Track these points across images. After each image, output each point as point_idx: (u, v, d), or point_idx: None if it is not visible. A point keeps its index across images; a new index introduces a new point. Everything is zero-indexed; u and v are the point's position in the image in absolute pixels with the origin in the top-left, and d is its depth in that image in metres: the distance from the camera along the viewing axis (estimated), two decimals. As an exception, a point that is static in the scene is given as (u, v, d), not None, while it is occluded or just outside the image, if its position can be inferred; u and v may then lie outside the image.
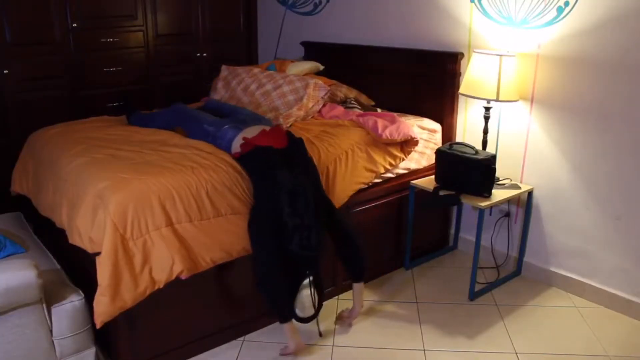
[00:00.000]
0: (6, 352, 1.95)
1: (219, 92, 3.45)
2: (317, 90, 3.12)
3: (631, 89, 2.51)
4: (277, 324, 2.56)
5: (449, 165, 2.79)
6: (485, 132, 2.92)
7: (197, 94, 3.80)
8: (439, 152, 2.84)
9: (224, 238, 2.25)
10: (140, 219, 2.06)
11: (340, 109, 3.15)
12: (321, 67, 3.64)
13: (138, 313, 2.12)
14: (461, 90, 2.93)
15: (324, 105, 3.17)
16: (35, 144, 2.84)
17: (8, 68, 3.31)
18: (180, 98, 3.39)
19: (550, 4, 2.69)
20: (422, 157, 3.10)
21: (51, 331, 2.05)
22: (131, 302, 2.03)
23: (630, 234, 2.64)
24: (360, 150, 2.77)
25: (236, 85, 3.39)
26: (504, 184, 2.93)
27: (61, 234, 2.29)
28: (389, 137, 2.81)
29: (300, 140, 2.49)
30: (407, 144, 2.94)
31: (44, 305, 2.01)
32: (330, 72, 3.63)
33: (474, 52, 2.84)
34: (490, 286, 2.95)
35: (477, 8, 3.00)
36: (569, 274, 2.91)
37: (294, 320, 2.33)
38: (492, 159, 2.71)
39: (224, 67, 3.59)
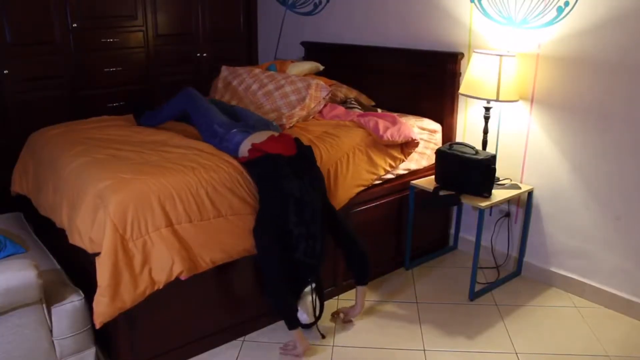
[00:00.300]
0: (6, 352, 1.95)
1: (220, 92, 3.45)
2: (319, 91, 3.12)
3: (631, 89, 2.51)
4: (277, 324, 2.58)
5: (449, 166, 2.79)
6: (485, 132, 2.92)
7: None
8: (439, 152, 2.84)
9: (224, 239, 2.25)
10: (140, 219, 2.06)
11: (341, 109, 3.15)
12: (321, 67, 3.64)
13: (138, 313, 2.12)
14: (461, 90, 2.93)
15: (324, 106, 3.17)
16: (36, 144, 2.84)
17: (8, 68, 3.31)
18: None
19: (550, 4, 2.69)
20: (422, 157, 3.10)
21: (51, 331, 2.05)
22: (131, 303, 2.03)
23: (630, 234, 2.64)
24: (361, 153, 2.77)
25: (237, 85, 3.39)
26: (504, 184, 2.93)
27: (61, 234, 2.29)
28: (390, 139, 2.81)
29: (309, 148, 2.48)
30: (408, 146, 2.94)
31: (44, 305, 2.01)
32: (330, 72, 3.63)
33: (474, 52, 2.84)
34: (490, 286, 2.96)
35: (477, 8, 3.00)
36: (569, 274, 2.91)
37: None
38: (492, 159, 2.71)
39: (224, 67, 3.59)
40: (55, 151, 2.60)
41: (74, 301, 2.08)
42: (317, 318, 2.46)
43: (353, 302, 2.63)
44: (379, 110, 3.28)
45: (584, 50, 2.62)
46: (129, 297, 2.01)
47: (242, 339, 2.51)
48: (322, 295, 2.48)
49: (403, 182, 3.01)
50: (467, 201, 2.73)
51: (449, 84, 3.14)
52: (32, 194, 2.71)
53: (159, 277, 2.07)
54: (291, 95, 3.11)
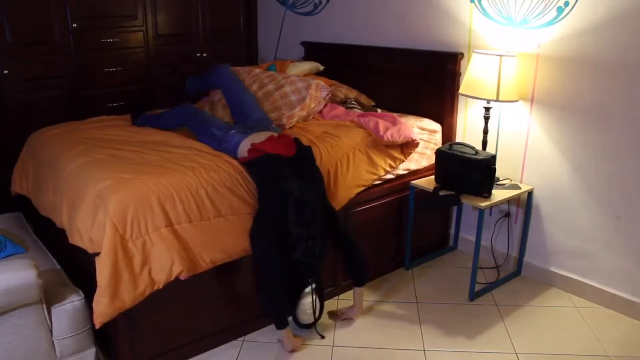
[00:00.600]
0: (6, 352, 1.95)
1: (220, 93, 3.44)
2: (319, 91, 3.12)
3: (631, 89, 2.51)
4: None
5: (449, 166, 2.79)
6: (485, 132, 2.92)
7: (197, 94, 3.80)
8: (439, 152, 2.84)
9: (224, 239, 2.25)
10: (140, 219, 2.06)
11: (341, 109, 3.15)
12: (321, 68, 3.64)
13: (138, 313, 2.12)
14: (461, 90, 2.93)
15: (324, 106, 3.17)
16: (36, 144, 2.84)
17: (8, 68, 3.31)
18: (180, 98, 3.39)
19: (550, 4, 2.69)
20: (422, 157, 3.10)
21: (51, 331, 2.05)
22: (130, 303, 2.03)
23: (630, 234, 2.64)
24: (361, 153, 2.77)
25: (236, 85, 3.39)
26: (504, 184, 2.93)
27: (61, 234, 2.29)
28: (390, 139, 2.81)
29: (309, 149, 2.48)
30: (408, 146, 2.94)
31: (44, 305, 2.01)
32: (330, 72, 3.63)
33: (474, 52, 2.84)
34: (490, 286, 2.96)
35: (477, 8, 3.00)
36: (569, 274, 2.91)
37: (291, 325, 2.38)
38: (492, 159, 2.71)
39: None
40: (55, 151, 2.60)
41: (74, 301, 2.08)
42: (317, 318, 2.47)
43: (352, 302, 2.63)
44: (379, 110, 3.28)
45: (584, 50, 2.62)
46: (128, 297, 2.01)
47: (242, 339, 2.51)
48: (322, 296, 2.49)
49: (403, 182, 3.01)
50: (467, 201, 2.73)
51: (449, 84, 3.14)
52: (32, 194, 2.71)
53: (159, 277, 2.07)
54: (291, 95, 3.11)
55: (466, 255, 3.30)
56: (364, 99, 3.46)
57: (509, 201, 2.95)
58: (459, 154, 2.74)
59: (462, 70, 3.11)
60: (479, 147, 2.89)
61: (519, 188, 2.91)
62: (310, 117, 3.11)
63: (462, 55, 3.11)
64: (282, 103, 3.08)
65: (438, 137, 3.19)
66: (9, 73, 3.32)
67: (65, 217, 2.26)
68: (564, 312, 2.75)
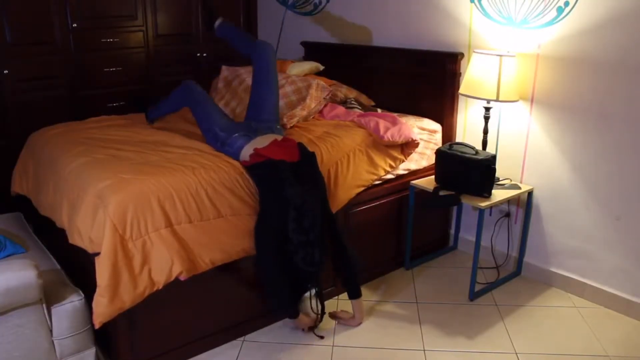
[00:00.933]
0: (6, 352, 1.95)
1: (220, 92, 3.44)
2: (319, 91, 3.12)
3: (631, 89, 2.51)
4: (277, 324, 2.58)
5: (449, 166, 2.79)
6: (485, 132, 2.92)
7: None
8: (439, 153, 2.84)
9: (224, 239, 2.25)
10: (140, 219, 2.06)
11: (341, 109, 3.15)
12: (321, 67, 3.64)
13: (138, 313, 2.12)
14: (461, 90, 2.93)
15: (325, 106, 3.17)
16: (36, 144, 2.84)
17: (8, 68, 3.31)
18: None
19: (550, 4, 2.69)
20: (422, 157, 3.10)
21: (51, 331, 2.05)
22: (130, 303, 2.03)
23: (630, 234, 2.64)
24: (361, 153, 2.77)
25: (237, 85, 3.38)
26: (504, 184, 2.93)
27: (61, 234, 2.29)
28: (391, 139, 2.81)
29: (312, 154, 2.47)
30: (408, 146, 2.94)
31: (44, 305, 2.01)
32: (330, 72, 3.63)
33: (474, 52, 2.84)
34: (490, 286, 2.96)
35: (477, 8, 3.00)
36: (569, 274, 2.91)
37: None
38: (492, 159, 2.71)
39: (224, 67, 3.59)
40: (55, 151, 2.60)
41: (74, 301, 2.08)
42: (319, 322, 2.48)
43: (351, 303, 2.63)
44: (379, 110, 3.28)
45: (584, 50, 2.62)
46: (128, 298, 2.01)
47: (242, 339, 2.51)
48: (322, 300, 2.50)
49: (403, 182, 3.01)
50: (467, 201, 2.73)
51: (449, 84, 3.14)
52: (32, 194, 2.71)
53: (159, 277, 2.07)
54: (292, 95, 3.11)
55: (466, 255, 3.30)
56: (364, 99, 3.46)
57: (509, 201, 2.95)
58: (459, 154, 2.74)
59: (462, 70, 3.11)
60: (479, 147, 2.89)
61: (519, 188, 2.91)
62: (311, 117, 3.11)
63: (462, 55, 3.11)
64: (282, 103, 3.08)
65: (438, 137, 3.19)
66: (9, 73, 3.32)
67: (65, 217, 2.26)
68: (564, 312, 2.75)
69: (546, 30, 2.74)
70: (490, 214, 3.17)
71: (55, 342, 2.07)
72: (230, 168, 2.36)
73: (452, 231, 3.43)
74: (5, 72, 3.31)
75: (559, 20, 2.68)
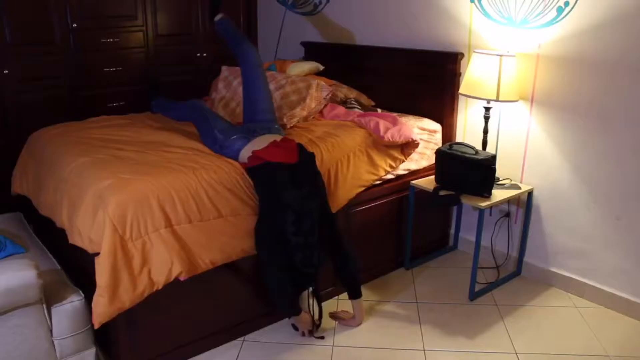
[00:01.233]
0: (6, 352, 1.95)
1: (220, 92, 3.44)
2: (319, 91, 3.12)
3: (631, 89, 2.51)
4: (277, 324, 2.58)
5: (449, 166, 2.79)
6: (485, 132, 2.92)
7: (197, 94, 3.80)
8: (439, 153, 2.84)
9: (224, 240, 2.25)
10: (140, 220, 2.06)
11: (341, 109, 3.15)
12: (321, 68, 3.64)
13: (138, 313, 2.12)
14: (461, 90, 2.93)
15: (325, 106, 3.17)
16: (36, 144, 2.84)
17: (8, 68, 3.31)
18: (180, 98, 3.38)
19: (550, 4, 2.69)
20: (422, 157, 3.10)
21: (51, 331, 2.05)
22: (129, 303, 2.02)
23: (630, 234, 2.64)
24: (361, 153, 2.77)
25: (237, 85, 3.38)
26: (504, 184, 2.93)
27: (61, 234, 2.29)
28: (391, 140, 2.81)
29: (312, 155, 2.46)
30: (408, 146, 2.94)
31: (44, 305, 2.01)
32: (330, 73, 3.63)
33: (474, 52, 2.84)
34: (490, 286, 2.96)
35: (477, 8, 3.00)
36: (569, 274, 2.91)
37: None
38: (492, 159, 2.71)
39: (224, 67, 3.59)
40: (55, 151, 2.60)
41: (74, 301, 2.08)
42: (318, 323, 2.48)
43: (351, 304, 2.63)
44: (379, 111, 3.28)
45: (584, 50, 2.62)
46: (127, 298, 2.01)
47: (242, 339, 2.51)
48: (320, 301, 2.51)
49: (403, 182, 3.01)
50: (467, 201, 2.73)
51: (449, 84, 3.14)
52: (32, 194, 2.71)
53: (158, 278, 2.07)
54: (292, 95, 3.11)
55: (466, 255, 3.30)
56: (364, 99, 3.45)
57: (509, 201, 2.95)
58: (459, 154, 2.74)
59: (462, 70, 3.11)
60: (479, 147, 2.89)
61: (519, 188, 2.91)
62: (311, 117, 3.11)
63: (462, 55, 3.11)
64: (282, 103, 3.08)
65: (438, 137, 3.19)
66: (9, 73, 3.32)
67: (66, 217, 2.26)
68: (564, 312, 2.75)
69: (546, 30, 2.74)
70: (490, 214, 3.17)
71: (55, 342, 2.07)
72: (231, 168, 2.36)
73: (452, 231, 3.43)
74: (5, 72, 3.31)
75: (559, 20, 2.68)
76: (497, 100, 2.74)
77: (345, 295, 2.69)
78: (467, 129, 3.19)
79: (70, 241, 2.18)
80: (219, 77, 3.57)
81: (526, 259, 3.08)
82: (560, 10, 2.67)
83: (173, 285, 2.11)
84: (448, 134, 3.21)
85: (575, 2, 2.60)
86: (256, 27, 4.50)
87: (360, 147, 2.78)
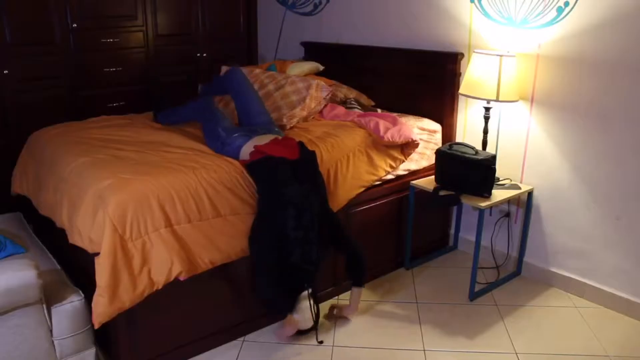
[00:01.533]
0: (6, 352, 1.95)
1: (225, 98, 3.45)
2: (319, 91, 3.12)
3: (631, 89, 2.51)
4: (277, 324, 2.57)
5: (448, 166, 2.79)
6: (485, 132, 2.92)
7: (197, 93, 3.80)
8: (439, 153, 2.84)
9: (224, 239, 2.25)
10: (140, 219, 2.06)
11: (341, 109, 3.15)
12: (321, 68, 3.64)
13: (138, 313, 2.12)
14: (461, 90, 2.93)
15: (325, 106, 3.17)
16: (36, 144, 2.84)
17: (8, 68, 3.31)
18: (180, 98, 3.39)
19: (550, 4, 2.69)
20: (422, 157, 3.10)
21: (51, 331, 2.05)
22: (129, 303, 2.03)
23: (630, 234, 2.64)
24: (361, 153, 2.77)
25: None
26: (504, 184, 2.93)
27: (61, 234, 2.29)
28: (391, 140, 2.81)
29: (313, 153, 2.48)
30: (408, 147, 2.94)
31: (44, 305, 2.01)
32: (330, 73, 3.63)
33: (474, 52, 2.84)
34: (490, 286, 2.95)
35: (477, 8, 3.00)
36: (569, 274, 2.91)
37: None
38: (492, 159, 2.71)
39: (224, 67, 3.59)
40: (55, 151, 2.60)
41: (74, 301, 2.08)
42: (316, 323, 2.47)
43: (349, 302, 2.64)
44: (379, 111, 3.28)
45: (584, 50, 2.62)
46: (127, 298, 2.01)
47: (242, 339, 2.51)
48: (317, 302, 2.50)
49: (403, 182, 3.01)
50: (467, 201, 2.73)
51: (449, 84, 3.14)
52: (32, 194, 2.71)
53: (158, 277, 2.07)
54: (292, 95, 3.11)
55: (466, 255, 3.30)
56: (364, 99, 3.46)
57: (509, 201, 2.95)
58: (459, 154, 2.74)
59: (462, 70, 3.11)
60: (479, 147, 2.89)
61: (519, 188, 2.91)
62: (311, 117, 3.11)
63: (462, 55, 3.11)
64: (282, 103, 3.08)
65: (438, 137, 3.19)
66: (9, 73, 3.32)
67: (66, 217, 2.26)
68: (564, 312, 2.75)
69: (546, 30, 2.74)
70: (490, 214, 3.17)
71: (55, 342, 2.07)
72: (231, 167, 2.36)
73: (452, 231, 3.43)
74: (5, 72, 3.31)
75: (559, 20, 2.68)
76: (497, 100, 2.74)
77: (345, 295, 2.70)
78: (467, 129, 3.19)
79: (70, 241, 2.18)
80: (219, 78, 3.58)
81: (526, 259, 3.08)
82: (560, 10, 2.67)
83: (173, 285, 2.11)
84: (448, 134, 3.21)
85: (575, 2, 2.60)
86: (256, 27, 4.50)
87: (360, 148, 2.78)
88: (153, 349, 2.25)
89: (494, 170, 2.71)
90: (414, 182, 2.97)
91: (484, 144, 2.93)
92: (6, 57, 3.30)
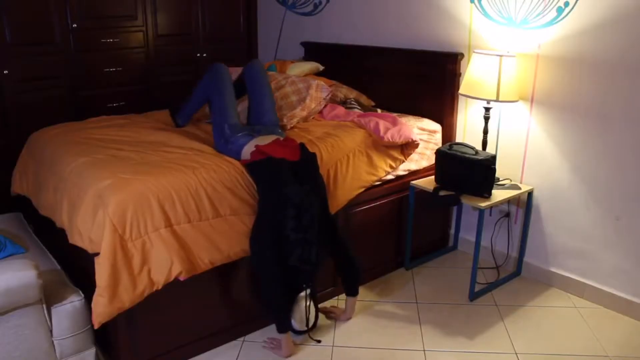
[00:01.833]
0: (6, 352, 1.95)
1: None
2: (319, 91, 3.12)
3: (631, 89, 2.51)
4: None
5: (449, 166, 2.79)
6: (485, 132, 2.92)
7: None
8: (439, 153, 2.84)
9: (223, 239, 2.25)
10: (140, 219, 2.06)
11: (341, 110, 3.15)
12: (321, 68, 3.64)
13: (138, 313, 2.12)
14: (461, 90, 2.93)
15: (325, 106, 3.17)
16: (36, 144, 2.84)
17: (8, 68, 3.31)
18: (179, 98, 3.39)
19: (550, 4, 2.69)
20: (422, 157, 3.10)
21: (51, 331, 2.05)
22: (129, 303, 2.02)
23: (630, 234, 2.64)
24: (361, 154, 2.77)
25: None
26: (504, 184, 2.93)
27: (61, 234, 2.29)
28: (391, 140, 2.81)
29: (314, 155, 2.48)
30: (408, 147, 2.94)
31: (44, 305, 2.01)
32: (330, 73, 3.63)
33: (474, 52, 2.84)
34: (490, 286, 2.96)
35: (477, 8, 3.00)
36: (569, 275, 2.91)
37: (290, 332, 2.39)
38: (492, 159, 2.71)
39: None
40: (55, 151, 2.60)
41: (74, 301, 2.08)
42: (313, 326, 2.47)
43: (345, 307, 2.64)
44: (379, 111, 3.28)
45: (584, 50, 2.63)
46: (127, 298, 2.01)
47: (242, 339, 2.51)
48: (316, 302, 2.50)
49: (403, 182, 3.01)
50: (467, 201, 2.73)
51: (449, 84, 3.14)
52: (32, 194, 2.71)
53: (158, 277, 2.07)
54: (292, 95, 3.11)
55: (466, 255, 3.30)
56: (364, 99, 3.46)
57: (509, 201, 2.95)
58: (459, 154, 2.74)
59: (462, 70, 3.11)
60: (479, 147, 2.89)
61: (519, 188, 2.91)
62: (311, 118, 3.11)
63: (462, 55, 3.11)
64: (282, 103, 3.08)
65: (438, 137, 3.19)
66: (9, 73, 3.32)
67: (66, 217, 2.26)
68: (564, 312, 2.75)
69: (546, 31, 2.74)
70: (490, 214, 3.17)
71: (55, 342, 2.07)
72: (231, 167, 2.36)
73: (452, 231, 3.43)
74: (5, 72, 3.31)
75: (559, 21, 2.68)
76: (497, 100, 2.74)
77: (345, 296, 2.69)
78: (467, 129, 3.19)
79: (70, 241, 2.18)
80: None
81: (526, 259, 3.08)
82: (560, 10, 2.67)
83: (173, 285, 2.11)
84: (448, 134, 3.21)
85: (575, 2, 2.61)
86: (256, 27, 4.50)
87: (360, 148, 2.78)
88: (153, 349, 2.25)
89: (494, 171, 2.71)
90: (414, 182, 2.97)
91: (484, 144, 2.93)
92: (6, 57, 3.30)
